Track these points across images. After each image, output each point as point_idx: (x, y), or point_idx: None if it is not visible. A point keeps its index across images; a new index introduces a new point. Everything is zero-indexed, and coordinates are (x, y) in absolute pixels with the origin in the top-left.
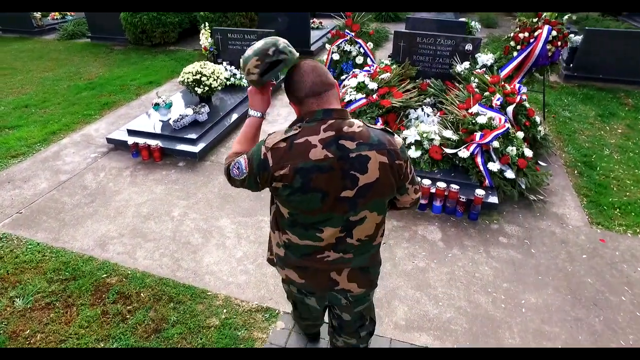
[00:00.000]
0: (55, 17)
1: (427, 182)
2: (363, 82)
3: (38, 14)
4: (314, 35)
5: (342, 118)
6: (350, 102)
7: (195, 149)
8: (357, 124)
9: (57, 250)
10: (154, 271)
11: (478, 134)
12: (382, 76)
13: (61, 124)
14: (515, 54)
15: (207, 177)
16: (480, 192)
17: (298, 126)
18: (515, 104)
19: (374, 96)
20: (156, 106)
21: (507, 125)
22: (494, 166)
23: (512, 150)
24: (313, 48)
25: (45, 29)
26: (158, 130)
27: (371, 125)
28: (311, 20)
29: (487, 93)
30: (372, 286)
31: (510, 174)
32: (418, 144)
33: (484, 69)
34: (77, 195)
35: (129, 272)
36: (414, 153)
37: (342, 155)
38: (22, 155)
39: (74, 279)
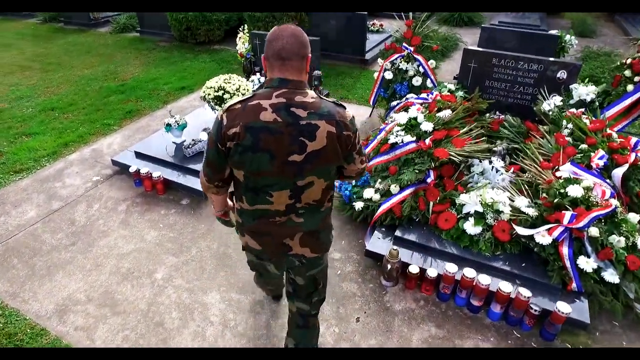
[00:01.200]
0: None
1: (485, 279)
2: (415, 118)
3: None
4: (372, 40)
5: (297, 89)
6: (395, 146)
7: None
8: (310, 95)
9: (10, 314)
10: None
11: (568, 214)
12: (441, 114)
13: (76, 135)
14: (630, 87)
15: (208, 225)
16: (564, 308)
17: (253, 92)
18: (627, 165)
19: (427, 141)
20: (167, 127)
21: (614, 203)
22: (588, 263)
23: (618, 241)
24: (368, 56)
25: (101, 21)
26: (168, 155)
27: (324, 98)
28: (371, 23)
29: (584, 146)
30: (324, 250)
31: (612, 277)
32: (479, 216)
33: (582, 109)
34: (61, 233)
35: None
36: (471, 229)
37: (292, 122)
38: (25, 171)
39: None
